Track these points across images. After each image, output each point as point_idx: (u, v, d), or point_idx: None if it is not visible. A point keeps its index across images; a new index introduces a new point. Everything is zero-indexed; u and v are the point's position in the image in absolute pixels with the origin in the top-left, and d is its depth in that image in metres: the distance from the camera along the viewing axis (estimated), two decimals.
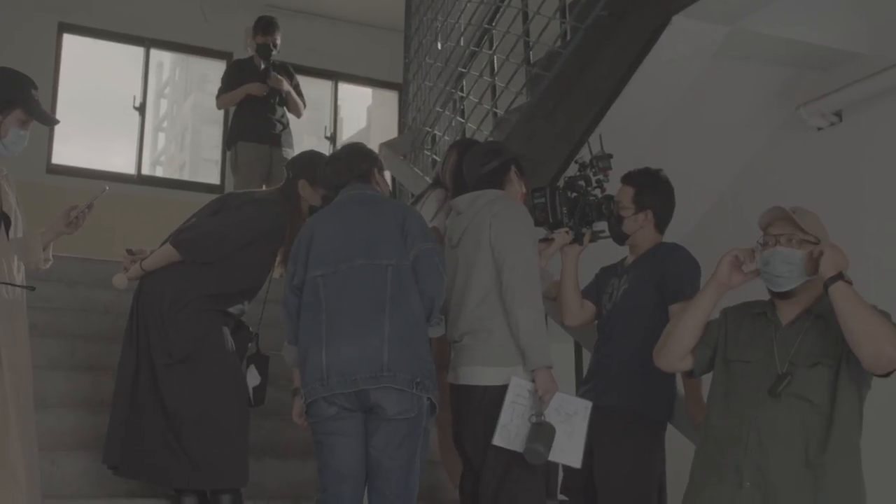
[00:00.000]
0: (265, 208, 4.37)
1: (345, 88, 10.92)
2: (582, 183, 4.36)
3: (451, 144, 5.10)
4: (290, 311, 3.93)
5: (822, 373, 3.22)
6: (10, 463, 3.51)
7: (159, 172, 10.19)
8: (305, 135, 9.99)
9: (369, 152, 4.21)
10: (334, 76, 10.61)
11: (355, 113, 11.57)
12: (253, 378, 4.37)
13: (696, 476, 3.45)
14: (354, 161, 4.09)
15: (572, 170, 4.52)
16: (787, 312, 3.39)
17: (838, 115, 5.61)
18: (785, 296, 3.39)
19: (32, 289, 3.80)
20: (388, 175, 7.13)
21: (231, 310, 4.34)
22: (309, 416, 3.83)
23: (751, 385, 3.35)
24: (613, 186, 4.39)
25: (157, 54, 10.48)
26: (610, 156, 4.35)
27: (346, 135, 10.70)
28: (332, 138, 10.43)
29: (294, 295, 3.92)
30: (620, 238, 4.35)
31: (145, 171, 9.93)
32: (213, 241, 4.25)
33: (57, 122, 3.96)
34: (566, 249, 4.32)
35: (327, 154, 4.42)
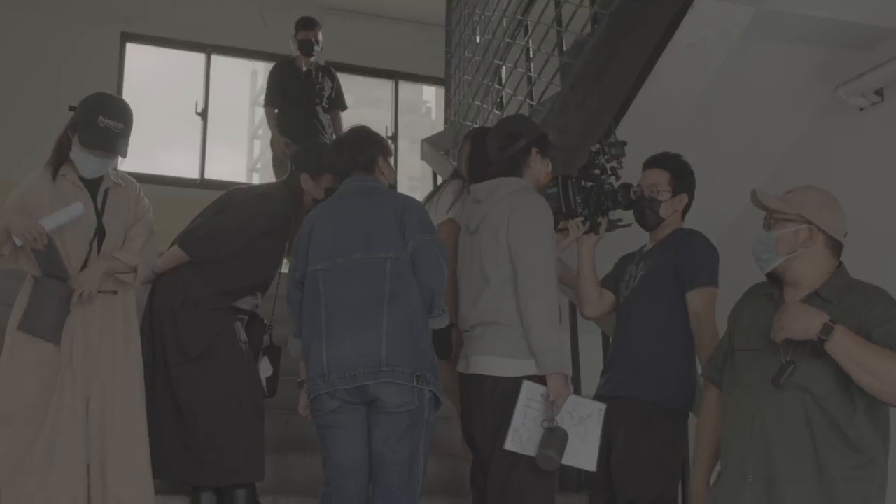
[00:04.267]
0: (268, 202, 4.41)
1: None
2: (597, 171, 4.28)
3: (466, 134, 5.08)
4: (293, 305, 3.95)
5: (828, 364, 3.06)
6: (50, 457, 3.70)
7: (256, 179, 10.43)
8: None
9: (374, 138, 4.17)
10: (394, 75, 10.64)
11: (418, 109, 11.59)
12: (265, 369, 4.42)
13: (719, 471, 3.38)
14: (358, 148, 4.07)
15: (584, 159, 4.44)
16: (793, 295, 3.27)
17: (880, 93, 5.42)
18: (776, 278, 3.30)
19: (114, 293, 4.00)
20: (428, 168, 7.15)
21: (243, 305, 4.37)
22: (313, 411, 3.86)
23: (755, 374, 3.24)
24: (627, 174, 4.31)
25: (251, 64, 10.67)
26: (623, 143, 4.28)
27: (406, 132, 10.71)
28: (394, 137, 10.46)
29: (296, 289, 3.93)
30: (654, 222, 4.26)
31: (241, 178, 10.17)
32: (219, 239, 4.30)
33: (122, 153, 4.00)
34: (582, 239, 4.25)
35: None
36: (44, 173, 3.97)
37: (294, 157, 4.65)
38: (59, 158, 3.99)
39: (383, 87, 10.61)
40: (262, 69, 15.87)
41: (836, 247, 3.25)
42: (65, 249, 3.88)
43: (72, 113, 4.01)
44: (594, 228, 4.25)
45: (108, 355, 3.91)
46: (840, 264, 3.27)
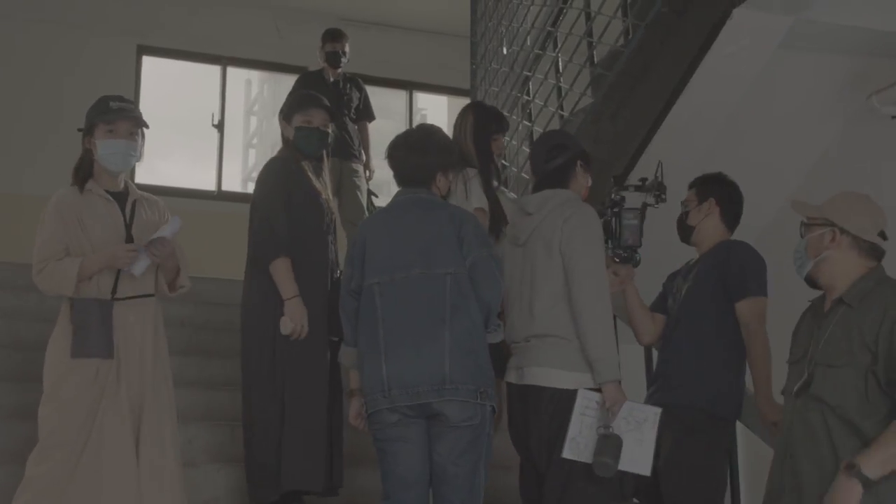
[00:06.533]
0: (264, 174, 4.57)
1: (426, 98, 10.95)
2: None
3: (465, 106, 5.25)
4: (348, 314, 3.96)
5: (841, 374, 3.09)
6: (99, 479, 3.71)
7: (251, 189, 10.30)
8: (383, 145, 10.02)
9: (435, 149, 4.06)
10: (409, 86, 10.68)
11: (438, 121, 11.59)
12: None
13: None
14: (419, 164, 4.02)
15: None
16: (828, 301, 3.31)
17: None
18: (814, 284, 3.34)
19: (150, 295, 4.04)
20: None
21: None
22: (371, 425, 3.85)
23: (790, 386, 3.30)
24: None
25: (244, 73, 10.63)
26: (665, 187, 4.30)
27: None
28: None
29: (352, 298, 3.94)
30: (686, 232, 4.32)
31: (235, 187, 10.12)
32: (267, 233, 4.37)
33: (144, 123, 4.05)
34: (619, 267, 4.25)
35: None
36: (71, 190, 3.99)
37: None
38: (85, 173, 4.01)
39: (398, 97, 10.63)
40: (257, 78, 15.99)
41: (868, 248, 3.25)
42: None
43: (80, 134, 4.05)
44: (632, 260, 4.27)
45: (148, 365, 3.93)
46: (876, 266, 3.26)
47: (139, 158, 4.06)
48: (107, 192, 4.01)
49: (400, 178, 4.05)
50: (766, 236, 5.96)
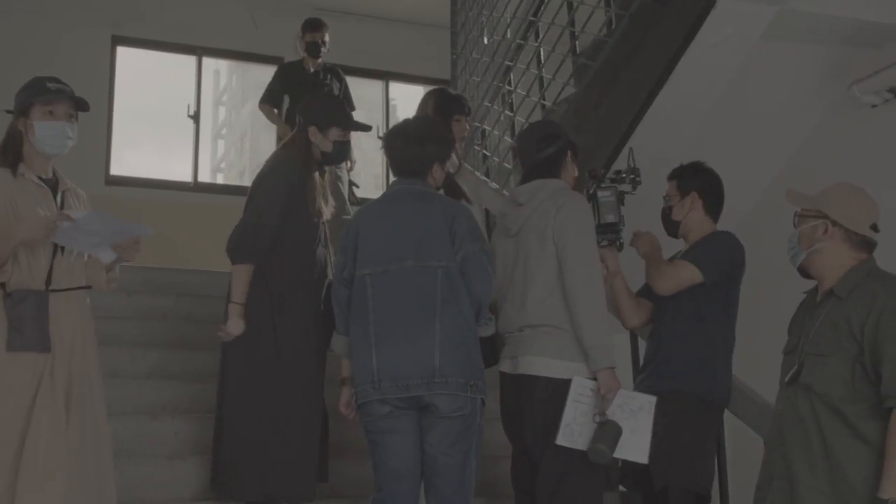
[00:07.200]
0: (282, 172, 4.34)
1: (400, 87, 10.93)
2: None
3: (428, 92, 5.31)
4: (340, 302, 3.95)
5: (829, 363, 3.14)
6: (40, 469, 3.55)
7: (220, 179, 10.21)
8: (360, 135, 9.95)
9: (433, 141, 4.05)
10: (385, 76, 10.64)
11: (409, 111, 11.53)
12: None
13: None
14: (416, 155, 3.99)
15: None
16: (819, 293, 3.36)
17: (892, 91, 5.54)
18: (807, 275, 3.39)
19: (87, 287, 3.88)
20: None
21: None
22: (361, 416, 3.85)
23: (784, 376, 3.34)
24: (645, 172, 4.36)
25: (212, 62, 10.56)
26: (638, 170, 4.34)
27: None
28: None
29: (344, 287, 3.93)
30: (672, 228, 4.35)
31: (205, 178, 10.04)
32: (251, 236, 4.22)
33: (85, 103, 3.89)
34: (608, 255, 4.26)
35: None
36: (3, 173, 3.78)
37: (300, 110, 4.54)
38: (16, 155, 3.81)
39: (374, 87, 10.60)
40: (226, 68, 15.96)
41: (860, 241, 3.29)
42: (30, 251, 3.72)
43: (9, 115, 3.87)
44: (617, 240, 4.29)
45: (77, 357, 3.77)
46: (867, 258, 3.31)
47: (75, 142, 3.88)
48: (39, 178, 3.84)
49: (396, 168, 4.04)
50: (749, 222, 6.02)
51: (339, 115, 4.49)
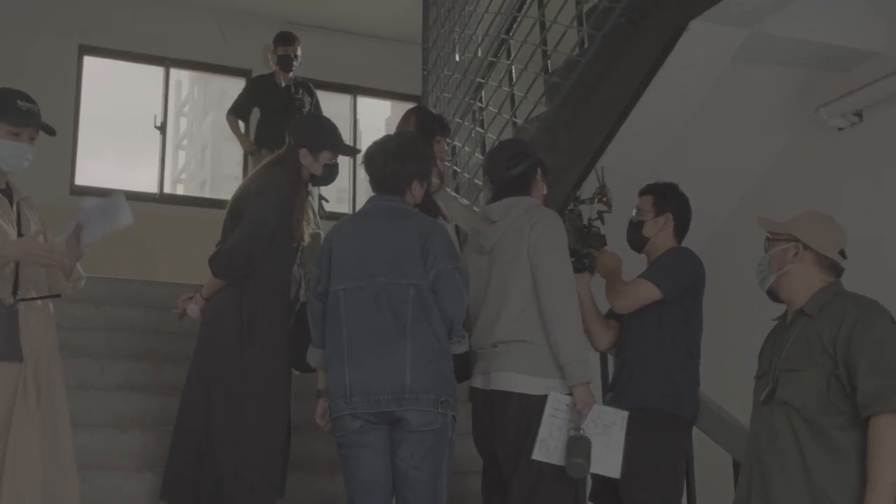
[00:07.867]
0: (271, 195, 4.27)
1: (363, 102, 10.94)
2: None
3: (409, 110, 5.35)
4: (315, 315, 3.97)
5: (805, 377, 3.17)
6: (14, 486, 3.52)
7: (180, 190, 10.16)
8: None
9: (413, 158, 4.08)
10: (353, 90, 10.64)
11: (374, 125, 11.55)
12: None
13: None
14: (395, 171, 4.01)
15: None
16: (789, 315, 3.41)
17: (858, 114, 5.62)
18: (777, 298, 3.43)
19: (57, 296, 3.87)
20: None
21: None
22: (334, 430, 3.86)
23: (756, 399, 3.38)
24: (615, 193, 4.41)
25: (175, 73, 10.51)
26: (606, 188, 4.40)
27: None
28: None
29: (318, 300, 3.95)
30: (639, 244, 4.37)
31: (168, 189, 9.98)
32: (239, 257, 4.21)
33: (51, 129, 3.87)
34: (578, 278, 4.22)
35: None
36: None
37: (291, 130, 4.50)
38: None
39: (342, 101, 10.60)
40: (187, 79, 15.92)
41: (828, 264, 3.35)
42: None
43: None
44: (589, 266, 4.33)
45: (42, 366, 3.74)
46: (835, 281, 3.36)
47: (31, 163, 3.85)
48: None
49: (376, 184, 4.05)
50: (716, 241, 6.09)
51: (332, 138, 4.44)
